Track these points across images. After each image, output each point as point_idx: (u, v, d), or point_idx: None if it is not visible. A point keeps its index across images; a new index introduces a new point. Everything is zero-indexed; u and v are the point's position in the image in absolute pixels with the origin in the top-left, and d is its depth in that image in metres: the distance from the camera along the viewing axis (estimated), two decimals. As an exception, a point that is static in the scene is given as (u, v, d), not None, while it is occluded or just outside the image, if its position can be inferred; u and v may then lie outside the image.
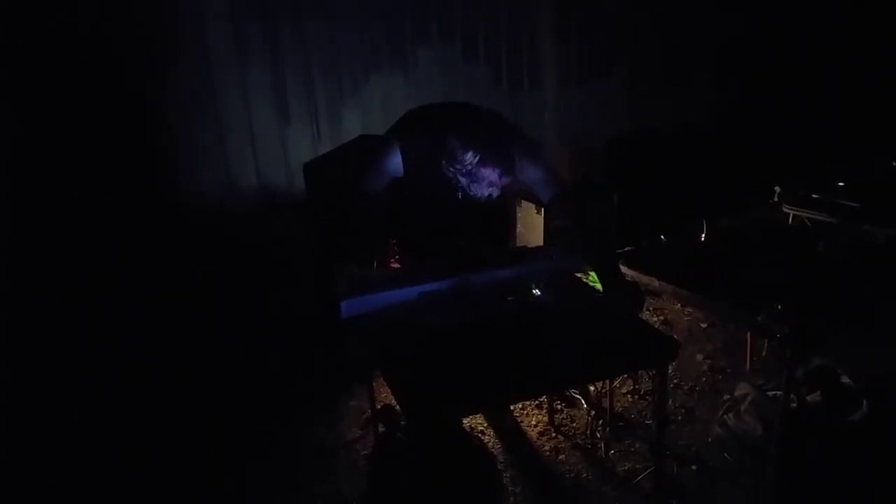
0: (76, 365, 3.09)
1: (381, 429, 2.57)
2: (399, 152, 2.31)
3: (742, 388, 2.72)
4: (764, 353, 3.15)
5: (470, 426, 2.83)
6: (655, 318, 3.69)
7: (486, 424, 2.87)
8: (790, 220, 3.02)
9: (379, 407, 2.63)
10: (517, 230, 4.20)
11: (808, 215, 2.97)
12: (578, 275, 2.41)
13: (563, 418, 2.89)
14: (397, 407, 2.29)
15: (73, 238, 3.26)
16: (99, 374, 3.10)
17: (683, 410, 2.89)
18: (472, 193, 2.21)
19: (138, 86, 3.40)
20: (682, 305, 3.77)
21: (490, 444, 2.75)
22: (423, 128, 2.33)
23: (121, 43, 3.29)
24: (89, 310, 3.22)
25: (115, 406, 2.98)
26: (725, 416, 2.64)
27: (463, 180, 2.19)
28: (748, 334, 3.09)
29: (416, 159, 2.31)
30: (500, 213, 2.64)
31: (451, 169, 2.19)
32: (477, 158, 2.12)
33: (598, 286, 2.24)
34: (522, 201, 4.18)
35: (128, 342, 3.24)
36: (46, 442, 2.77)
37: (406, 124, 2.40)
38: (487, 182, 2.17)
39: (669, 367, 2.08)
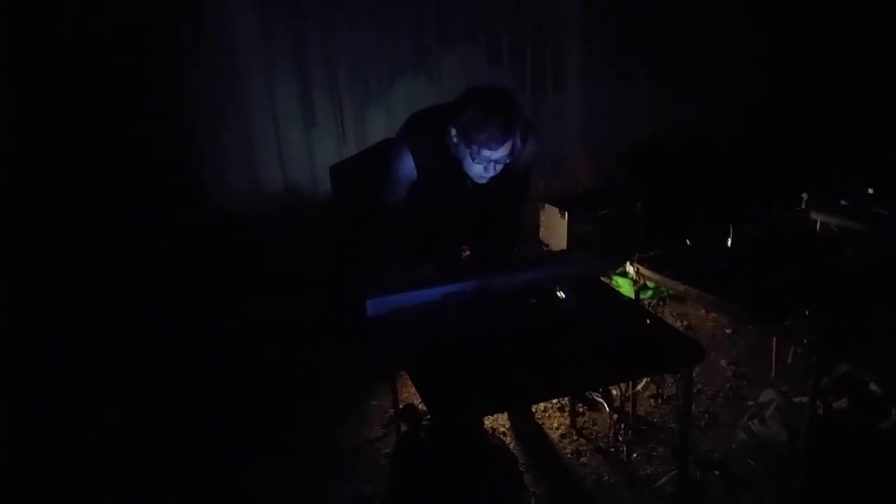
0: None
1: (403, 428, 2.59)
2: (410, 154, 2.35)
3: (767, 395, 2.70)
4: (789, 360, 3.12)
5: (492, 427, 2.84)
6: (679, 324, 3.67)
7: (508, 426, 2.88)
8: (818, 226, 2.99)
9: (401, 406, 2.64)
10: (540, 233, 4.20)
11: (837, 222, 2.93)
12: (602, 278, 2.41)
13: (584, 421, 2.89)
14: (420, 406, 2.31)
15: (97, 239, 3.32)
16: (124, 375, 3.15)
17: (707, 415, 2.87)
18: (472, 159, 2.23)
19: (163, 87, 3.46)
20: (706, 311, 3.74)
21: (512, 445, 2.76)
22: (429, 122, 2.37)
23: (145, 44, 3.36)
24: (115, 311, 3.28)
25: (139, 407, 3.01)
26: (750, 422, 2.61)
27: (462, 147, 2.21)
28: (773, 340, 3.06)
29: (425, 155, 2.36)
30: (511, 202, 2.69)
31: (454, 133, 2.21)
32: (479, 112, 2.14)
33: (623, 290, 2.25)
34: (546, 205, 4.19)
35: (151, 343, 3.29)
36: (70, 441, 2.81)
37: (412, 125, 2.44)
38: (487, 135, 2.16)
39: (693, 372, 2.07)
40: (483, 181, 2.31)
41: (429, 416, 2.19)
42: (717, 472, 2.53)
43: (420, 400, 1.99)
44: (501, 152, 2.19)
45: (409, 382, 2.53)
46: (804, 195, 3.08)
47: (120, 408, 2.95)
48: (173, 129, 3.54)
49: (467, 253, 2.94)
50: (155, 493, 2.57)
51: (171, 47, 3.44)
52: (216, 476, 2.66)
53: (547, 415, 2.94)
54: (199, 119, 3.60)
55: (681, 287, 2.33)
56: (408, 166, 2.38)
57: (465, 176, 2.31)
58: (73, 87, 3.23)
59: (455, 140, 2.22)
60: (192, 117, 3.58)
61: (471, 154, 2.21)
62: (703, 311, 3.76)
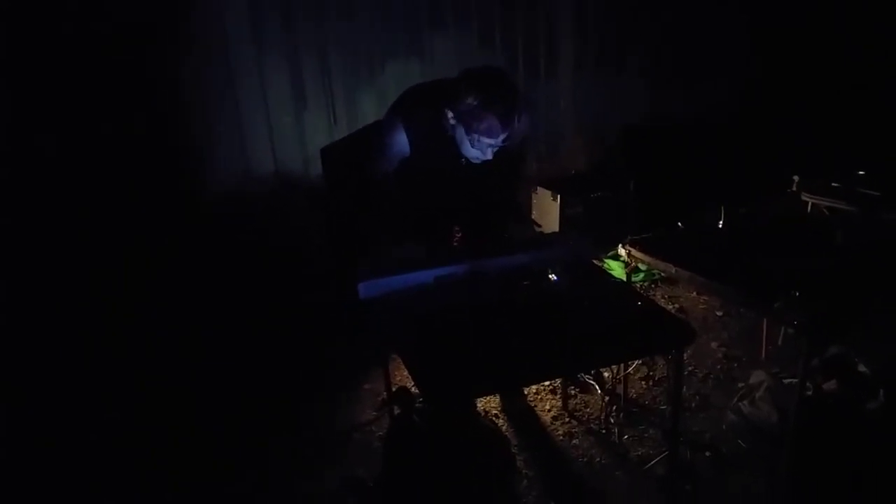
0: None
1: (395, 411, 2.59)
2: (403, 130, 2.34)
3: (757, 376, 2.72)
4: (780, 342, 3.14)
5: (484, 410, 2.85)
6: (671, 306, 3.69)
7: (500, 408, 2.89)
8: (808, 208, 3.00)
9: (394, 389, 2.65)
10: (532, 216, 4.20)
11: (827, 204, 2.94)
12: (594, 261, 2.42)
13: (576, 403, 2.90)
14: (413, 389, 2.32)
15: (76, 234, 3.27)
16: (116, 365, 3.13)
17: (698, 397, 2.89)
18: (472, 146, 2.23)
19: (154, 72, 3.42)
20: (697, 293, 3.76)
21: (504, 427, 2.77)
22: (422, 99, 2.35)
23: (136, 28, 3.31)
24: (105, 298, 3.25)
25: (134, 394, 3.01)
26: (740, 403, 2.64)
27: (460, 130, 2.20)
28: (764, 322, 3.08)
29: (419, 132, 2.34)
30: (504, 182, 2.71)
31: (451, 115, 2.19)
32: (477, 101, 2.12)
33: (615, 272, 2.25)
34: (538, 188, 4.18)
35: (144, 328, 3.27)
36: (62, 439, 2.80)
37: (405, 100, 2.42)
38: (486, 125, 2.15)
39: (684, 354, 2.08)
40: (479, 161, 2.31)
41: (421, 399, 2.19)
42: (707, 454, 2.55)
43: (412, 383, 1.99)
44: (501, 138, 2.20)
45: (402, 365, 2.53)
46: (795, 177, 3.08)
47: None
48: (164, 117, 3.51)
49: (459, 235, 2.94)
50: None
51: (161, 30, 3.39)
52: (214, 468, 2.65)
53: (539, 397, 2.96)
54: (189, 104, 3.56)
55: (672, 269, 2.33)
56: (401, 142, 2.36)
57: (460, 154, 2.31)
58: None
59: (452, 123, 2.22)
60: (182, 103, 3.54)
61: (470, 141, 2.22)
62: (694, 294, 3.78)
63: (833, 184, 2.99)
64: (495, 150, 2.25)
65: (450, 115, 2.20)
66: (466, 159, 2.32)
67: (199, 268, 3.56)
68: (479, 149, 2.24)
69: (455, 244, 2.92)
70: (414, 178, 2.49)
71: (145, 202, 3.45)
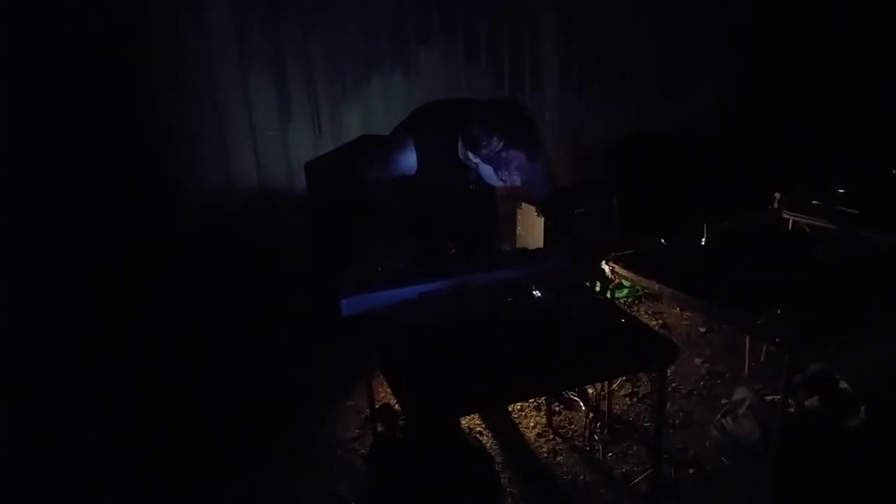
0: (75, 365, 3.07)
1: (379, 428, 2.57)
2: (413, 149, 2.33)
3: (740, 393, 2.73)
4: (762, 358, 3.16)
5: (468, 427, 2.83)
6: (654, 322, 3.69)
7: (484, 425, 2.87)
8: (790, 225, 3.03)
9: (377, 406, 2.62)
10: (517, 232, 4.20)
11: (808, 221, 2.97)
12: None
13: (561, 420, 2.89)
14: (396, 406, 2.30)
15: (70, 236, 3.24)
16: (95, 374, 3.09)
17: (681, 414, 2.89)
18: (500, 180, 2.27)
19: (138, 81, 3.40)
20: (680, 309, 3.78)
21: (488, 445, 2.75)
22: (437, 121, 2.36)
23: (120, 38, 3.29)
24: (87, 308, 3.21)
25: (114, 405, 2.96)
26: (723, 420, 2.64)
27: (486, 168, 2.21)
28: (747, 339, 3.10)
29: (428, 152, 2.34)
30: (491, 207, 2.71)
31: (475, 157, 2.21)
32: (502, 144, 2.15)
33: (599, 289, 2.26)
34: (523, 204, 4.18)
35: (124, 341, 3.23)
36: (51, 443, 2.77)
37: (419, 119, 2.41)
38: (516, 165, 2.21)
39: (668, 371, 2.08)
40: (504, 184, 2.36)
41: (404, 417, 2.17)
42: (691, 471, 2.55)
43: (395, 400, 1.98)
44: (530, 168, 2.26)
45: (386, 382, 2.52)
46: (776, 195, 3.12)
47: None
48: (147, 125, 3.48)
49: (452, 251, 2.93)
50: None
51: (146, 43, 3.37)
52: (194, 475, 2.63)
53: (523, 414, 2.94)
54: (173, 115, 3.53)
55: (655, 286, 2.34)
56: (409, 160, 2.36)
57: (468, 174, 2.32)
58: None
59: (476, 162, 2.25)
60: (166, 114, 3.51)
61: (499, 176, 2.26)
62: (677, 310, 3.79)
63: (813, 201, 3.03)
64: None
65: (471, 156, 2.22)
66: (476, 179, 2.34)
67: (180, 280, 3.52)
68: (507, 179, 2.28)
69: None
70: (416, 192, 2.49)
71: (139, 205, 3.43)
